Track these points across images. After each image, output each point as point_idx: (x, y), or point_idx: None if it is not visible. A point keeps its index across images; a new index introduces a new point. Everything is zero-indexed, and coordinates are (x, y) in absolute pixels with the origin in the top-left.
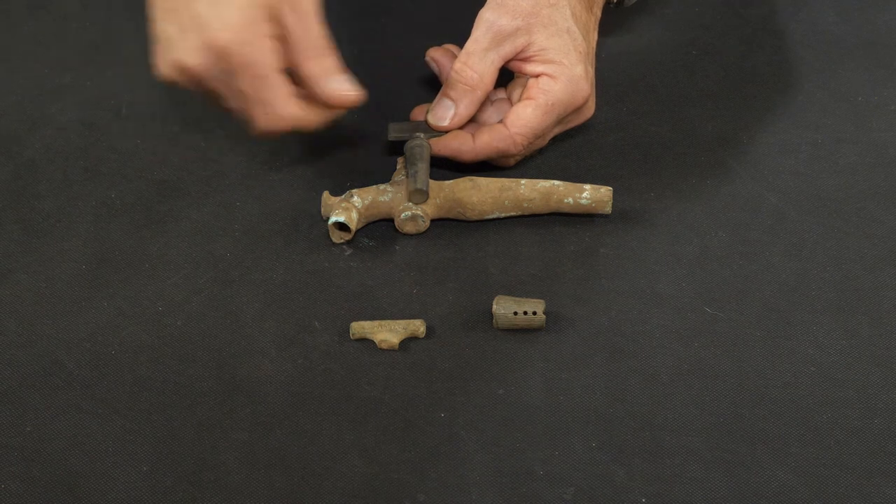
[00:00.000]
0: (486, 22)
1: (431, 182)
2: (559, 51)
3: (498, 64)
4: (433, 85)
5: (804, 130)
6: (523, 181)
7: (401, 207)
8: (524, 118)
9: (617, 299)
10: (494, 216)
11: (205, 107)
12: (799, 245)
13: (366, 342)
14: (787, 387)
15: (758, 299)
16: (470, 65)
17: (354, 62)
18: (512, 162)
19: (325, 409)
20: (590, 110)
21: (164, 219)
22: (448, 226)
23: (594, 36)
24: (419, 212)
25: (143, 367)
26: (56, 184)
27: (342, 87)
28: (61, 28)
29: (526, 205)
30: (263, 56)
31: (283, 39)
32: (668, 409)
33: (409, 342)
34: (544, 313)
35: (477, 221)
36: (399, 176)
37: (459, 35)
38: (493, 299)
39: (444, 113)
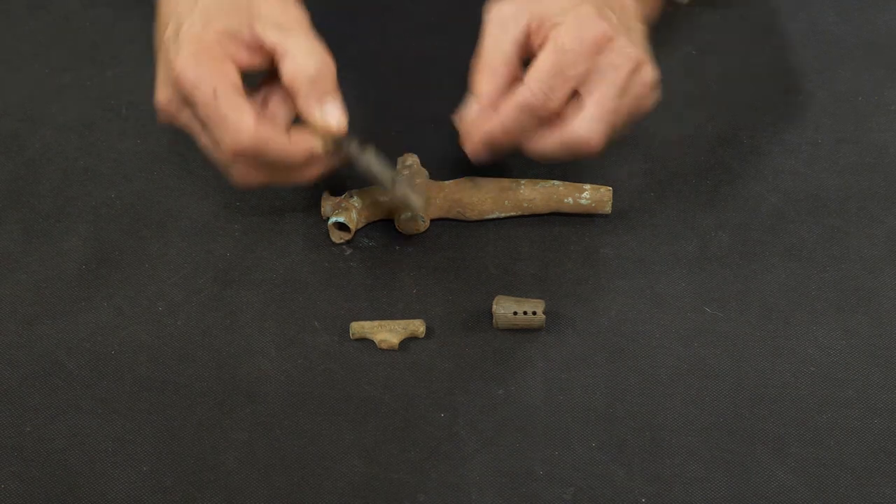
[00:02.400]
0: (489, 11)
1: (431, 182)
2: (559, 3)
3: (509, 45)
4: (433, 85)
5: (804, 130)
6: (523, 181)
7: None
8: (535, 66)
9: (617, 299)
10: (494, 216)
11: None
12: (799, 245)
13: (366, 342)
14: (786, 387)
15: (758, 299)
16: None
17: (354, 63)
18: (587, 137)
19: (325, 409)
20: (643, 66)
21: (164, 219)
22: (448, 226)
23: (632, 3)
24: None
25: (143, 367)
26: (56, 184)
27: (326, 116)
28: (61, 28)
29: (526, 205)
30: (211, 77)
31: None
32: (667, 409)
33: (409, 342)
34: (544, 313)
35: (477, 221)
36: (399, 176)
37: (460, 35)
38: (493, 299)
39: (470, 106)
